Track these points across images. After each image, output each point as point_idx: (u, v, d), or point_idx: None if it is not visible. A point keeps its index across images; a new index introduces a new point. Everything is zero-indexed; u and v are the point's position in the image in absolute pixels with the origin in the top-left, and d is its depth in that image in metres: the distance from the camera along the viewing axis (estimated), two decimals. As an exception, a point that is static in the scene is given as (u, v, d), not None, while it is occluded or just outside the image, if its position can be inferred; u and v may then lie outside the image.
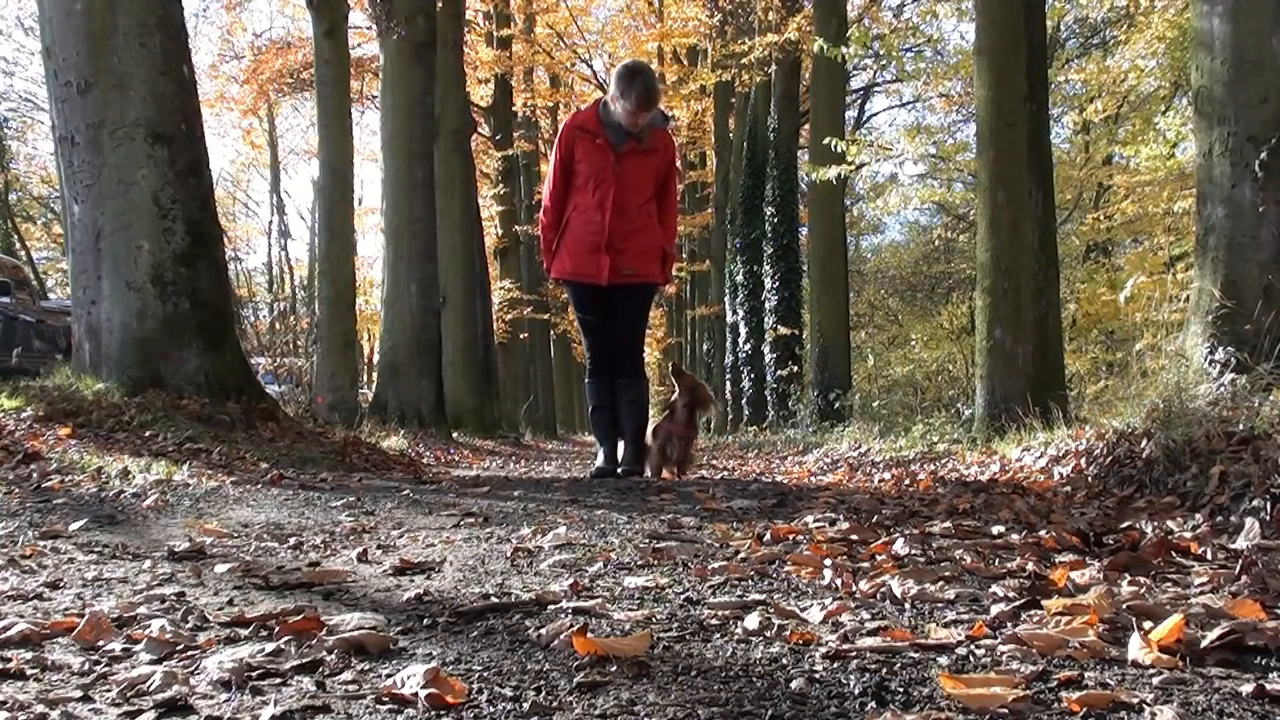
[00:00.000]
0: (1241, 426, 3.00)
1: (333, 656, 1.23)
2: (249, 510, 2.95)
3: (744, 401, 17.77)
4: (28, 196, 26.84)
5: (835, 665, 1.22)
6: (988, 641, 1.32)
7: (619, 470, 4.80)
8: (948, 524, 2.53)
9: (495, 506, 3.16)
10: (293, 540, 2.32)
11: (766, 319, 16.28)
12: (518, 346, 24.02)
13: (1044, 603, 1.51)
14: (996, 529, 2.48)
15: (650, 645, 1.29)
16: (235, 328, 6.00)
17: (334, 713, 1.03)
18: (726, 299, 19.34)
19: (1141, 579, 1.75)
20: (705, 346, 24.89)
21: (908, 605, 1.57)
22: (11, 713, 1.01)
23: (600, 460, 4.89)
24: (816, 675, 1.17)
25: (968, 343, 10.83)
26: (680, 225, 26.91)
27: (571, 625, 1.36)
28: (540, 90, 24.26)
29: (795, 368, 14.91)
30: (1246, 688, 1.10)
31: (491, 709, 1.04)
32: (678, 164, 4.84)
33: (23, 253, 24.11)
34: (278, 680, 1.14)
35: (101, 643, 1.29)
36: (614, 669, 1.18)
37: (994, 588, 1.67)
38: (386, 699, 1.07)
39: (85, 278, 5.11)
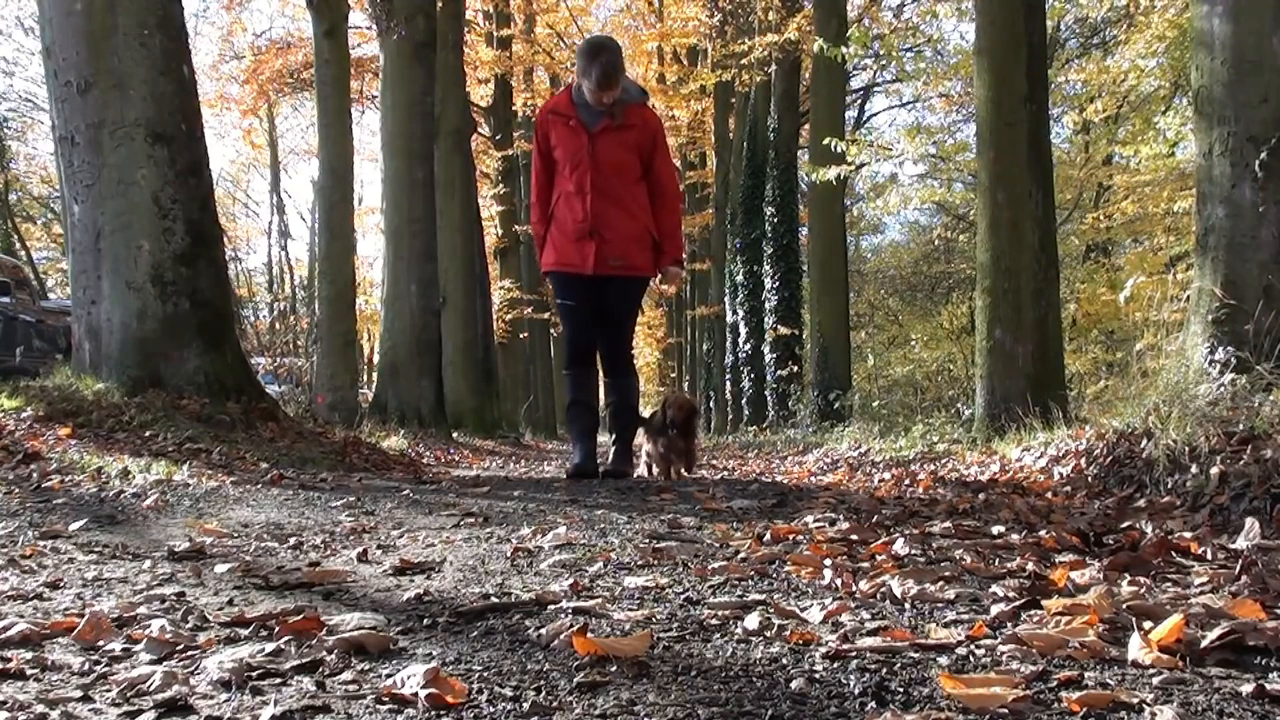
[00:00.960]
0: (1241, 426, 3.00)
1: (333, 656, 1.22)
2: (249, 510, 2.95)
3: (744, 401, 17.77)
4: (28, 196, 26.85)
5: (835, 665, 1.22)
6: (988, 641, 1.32)
7: (601, 471, 4.52)
8: (948, 524, 2.53)
9: (495, 506, 3.16)
10: (293, 540, 2.32)
11: (766, 319, 16.28)
12: (518, 346, 24.02)
13: (1044, 603, 1.51)
14: (996, 529, 2.48)
15: (650, 645, 1.28)
16: (235, 328, 6.00)
17: (334, 713, 1.03)
18: (726, 299, 19.35)
19: (1141, 579, 1.75)
20: (705, 346, 24.90)
21: (908, 605, 1.57)
22: (11, 713, 1.01)
23: (577, 458, 4.55)
24: (816, 675, 1.17)
25: (968, 343, 10.83)
26: (680, 225, 26.90)
27: (571, 625, 1.36)
28: (540, 90, 24.26)
29: (795, 368, 14.92)
30: (1246, 688, 1.10)
31: (491, 709, 1.04)
32: (666, 142, 4.62)
33: (23, 253, 24.11)
34: (278, 680, 1.14)
35: (101, 643, 1.29)
36: (614, 669, 1.18)
37: (994, 588, 1.67)
38: (386, 699, 1.07)
39: (85, 278, 5.11)
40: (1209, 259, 3.83)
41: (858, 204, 26.03)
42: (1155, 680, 1.15)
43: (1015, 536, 2.32)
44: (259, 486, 3.63)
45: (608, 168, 4.33)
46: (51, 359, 9.40)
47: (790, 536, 2.36)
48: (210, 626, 1.41)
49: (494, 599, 1.61)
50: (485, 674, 1.17)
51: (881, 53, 19.17)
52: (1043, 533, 2.35)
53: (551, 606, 1.55)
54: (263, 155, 32.16)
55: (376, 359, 11.88)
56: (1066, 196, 15.67)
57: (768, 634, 1.37)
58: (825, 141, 10.58)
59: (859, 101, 27.05)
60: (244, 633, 1.37)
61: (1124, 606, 1.47)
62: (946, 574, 1.79)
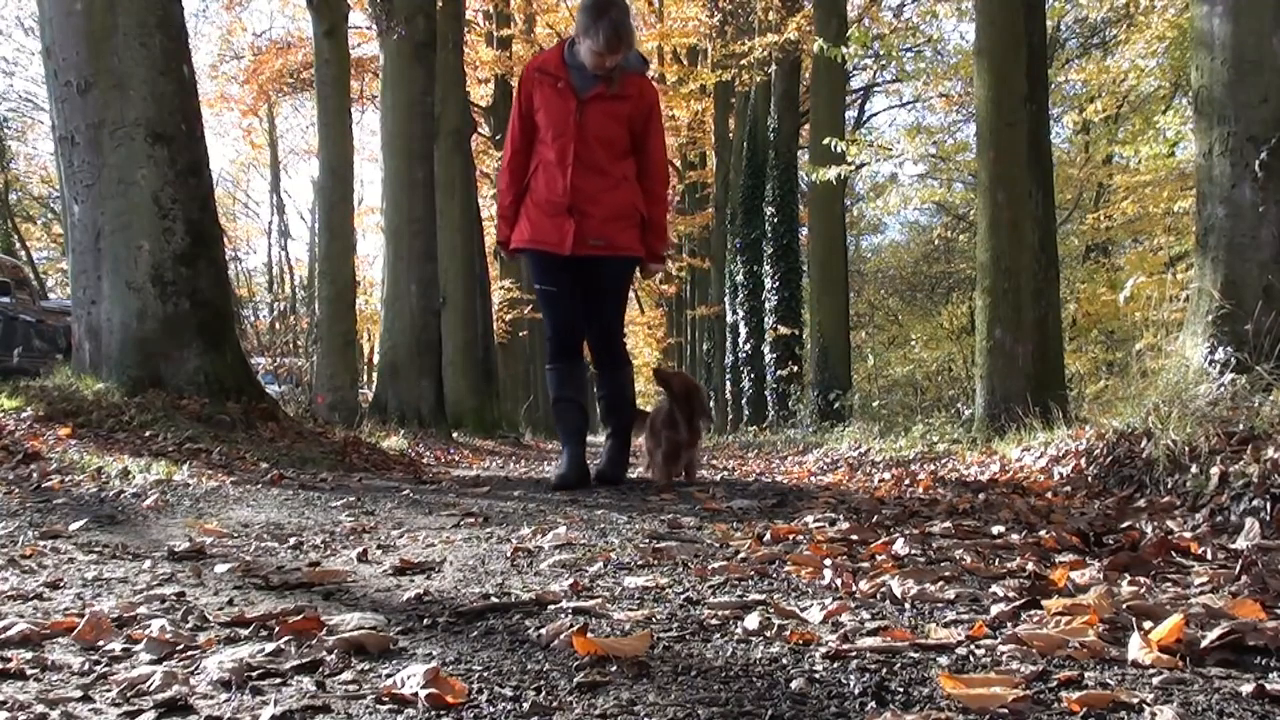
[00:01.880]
0: (1241, 426, 3.00)
1: (333, 656, 1.22)
2: (249, 510, 2.95)
3: (744, 401, 17.77)
4: (28, 196, 26.84)
5: (835, 665, 1.22)
6: (988, 641, 1.32)
7: (594, 478, 4.06)
8: (948, 524, 2.53)
9: (495, 506, 3.16)
10: (293, 540, 2.32)
11: (766, 319, 16.28)
12: (518, 346, 24.02)
13: (1044, 603, 1.51)
14: (996, 529, 2.48)
15: (650, 645, 1.28)
16: (235, 328, 6.00)
17: (334, 713, 1.03)
18: (726, 299, 19.35)
19: (1141, 579, 1.75)
20: (705, 346, 24.90)
21: (908, 605, 1.57)
22: (11, 713, 1.01)
23: (564, 466, 3.97)
24: (816, 675, 1.17)
25: (968, 343, 10.83)
26: (680, 225, 26.65)
27: (571, 625, 1.36)
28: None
29: (795, 368, 14.92)
30: (1246, 688, 1.10)
31: (491, 709, 1.04)
32: (662, 118, 4.15)
33: (23, 253, 24.11)
34: (278, 680, 1.14)
35: (101, 643, 1.29)
36: (614, 669, 1.18)
37: (994, 588, 1.67)
38: (386, 699, 1.07)
39: (85, 278, 5.11)
40: (1209, 259, 3.83)
41: (858, 204, 26.03)
42: (1155, 680, 1.15)
43: (1015, 536, 2.32)
44: (259, 486, 3.63)
45: (595, 140, 3.87)
46: (51, 359, 9.40)
47: (790, 536, 2.36)
48: (210, 626, 1.41)
49: (494, 599, 1.61)
50: (485, 674, 1.17)
51: (881, 53, 19.17)
52: (1043, 533, 2.35)
53: (551, 606, 1.55)
54: (263, 155, 32.17)
55: (376, 359, 11.88)
56: (1066, 196, 15.68)
57: (768, 634, 1.37)
58: (825, 141, 10.58)
59: (859, 101, 27.06)
60: (244, 633, 1.37)
61: (1124, 606, 1.47)
62: (946, 574, 1.79)
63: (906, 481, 4.56)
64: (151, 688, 1.09)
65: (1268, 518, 2.40)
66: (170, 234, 5.11)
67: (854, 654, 1.26)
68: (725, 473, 6.26)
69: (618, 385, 4.21)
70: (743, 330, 17.81)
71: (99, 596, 1.62)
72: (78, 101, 5.03)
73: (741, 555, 2.08)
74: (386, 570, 1.92)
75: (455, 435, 11.09)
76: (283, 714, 1.02)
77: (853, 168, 11.38)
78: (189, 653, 1.25)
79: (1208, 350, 3.64)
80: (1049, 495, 3.42)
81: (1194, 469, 2.96)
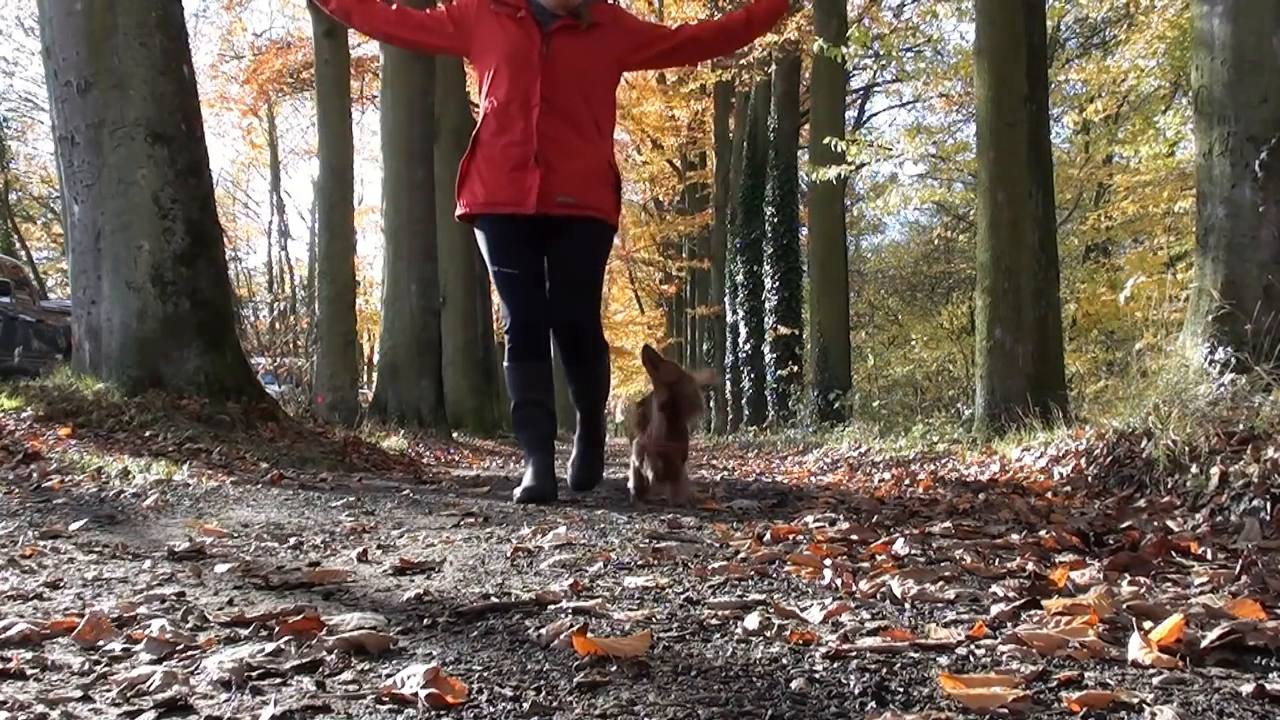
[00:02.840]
0: (1241, 426, 3.00)
1: (333, 656, 1.22)
2: (249, 510, 2.95)
3: (744, 401, 17.78)
4: (28, 196, 26.83)
5: (835, 665, 1.22)
6: (988, 641, 1.32)
7: (567, 486, 3.58)
8: (948, 524, 2.53)
9: (495, 506, 3.16)
10: (293, 540, 2.32)
11: (766, 319, 16.29)
12: (518, 346, 23.97)
13: (1044, 603, 1.51)
14: (996, 529, 2.48)
15: (650, 645, 1.28)
16: (235, 328, 6.00)
17: (334, 713, 1.03)
18: (726, 299, 19.36)
19: (1141, 579, 1.75)
20: (705, 346, 24.90)
21: (908, 605, 1.57)
22: (11, 713, 1.01)
23: (529, 478, 3.34)
24: (816, 675, 1.17)
25: (968, 343, 10.83)
26: (680, 225, 26.64)
27: (571, 625, 1.35)
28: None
29: (795, 368, 14.92)
30: (1246, 688, 1.10)
31: (491, 709, 1.04)
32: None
33: (23, 253, 24.09)
34: (278, 680, 1.14)
35: (101, 643, 1.29)
36: (614, 669, 1.18)
37: (994, 588, 1.67)
38: (386, 699, 1.07)
39: (85, 278, 5.12)
40: (1209, 259, 3.83)
41: (858, 204, 26.03)
42: (1155, 680, 1.15)
43: (1015, 536, 2.32)
44: (259, 486, 3.63)
45: (566, 77, 3.24)
46: (51, 359, 9.40)
47: (790, 536, 2.36)
48: (210, 626, 1.41)
49: (494, 599, 1.61)
50: (485, 674, 1.17)
51: (881, 53, 19.17)
52: (1043, 533, 2.35)
53: (551, 606, 1.55)
54: (263, 155, 32.15)
55: (376, 359, 11.88)
56: (1066, 196, 15.68)
57: (768, 634, 1.37)
58: (825, 141, 10.59)
59: (859, 101, 27.06)
60: (244, 633, 1.37)
61: (1124, 606, 1.47)
62: (946, 574, 1.79)
63: (906, 481, 4.56)
64: (151, 688, 1.09)
65: (1268, 518, 2.40)
66: (170, 234, 5.11)
67: (854, 654, 1.26)
68: (725, 473, 6.26)
69: (592, 381, 3.54)
70: (743, 330, 17.82)
71: (99, 596, 1.62)
72: (78, 101, 5.03)
73: (741, 555, 2.08)
74: (386, 570, 1.92)
75: (455, 435, 11.10)
76: (283, 714, 1.02)
77: (853, 168, 11.39)
78: (189, 653, 1.25)
79: (1208, 350, 3.64)
80: (1049, 495, 3.42)
81: (1194, 469, 2.96)
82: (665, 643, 1.32)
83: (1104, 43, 16.77)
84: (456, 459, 8.09)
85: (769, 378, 16.17)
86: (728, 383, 18.92)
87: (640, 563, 2.00)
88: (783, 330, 15.67)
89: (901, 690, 1.11)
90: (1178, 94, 13.73)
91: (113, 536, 2.31)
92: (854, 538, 2.30)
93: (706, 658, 1.25)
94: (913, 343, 16.23)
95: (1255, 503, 2.55)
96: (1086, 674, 1.17)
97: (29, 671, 1.16)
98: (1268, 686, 1.10)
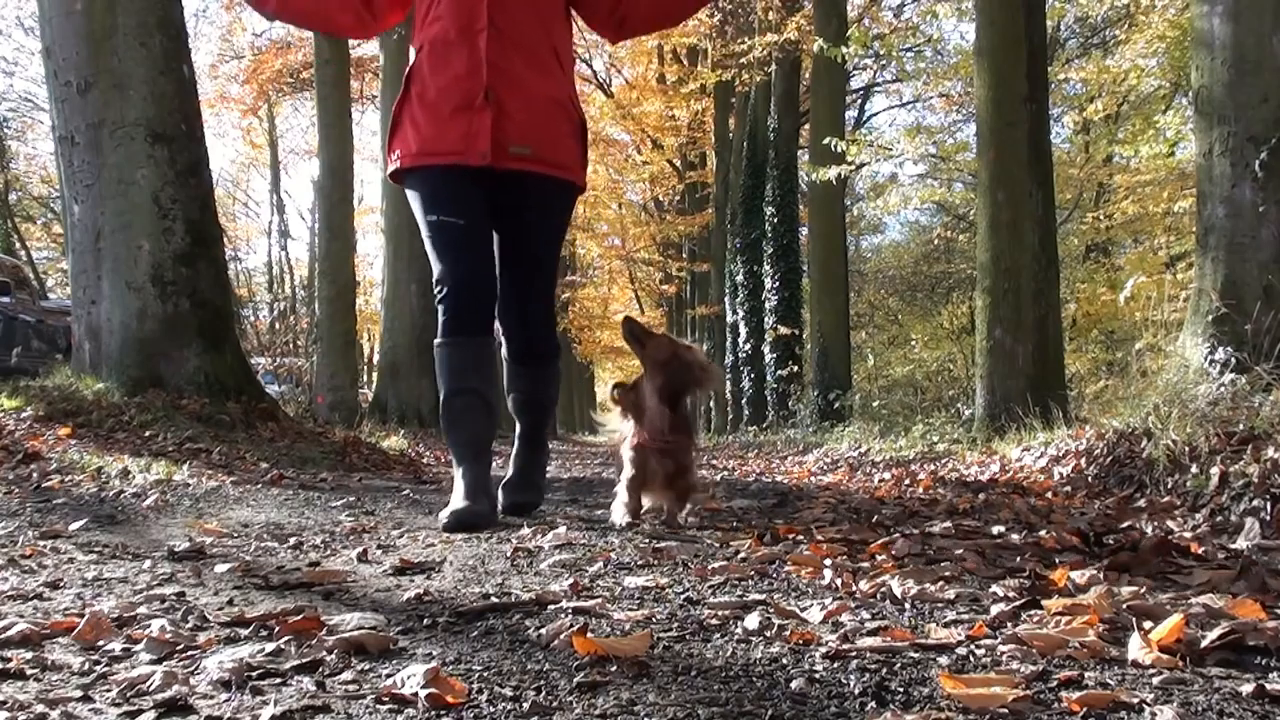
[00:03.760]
0: (1241, 426, 3.00)
1: (333, 656, 1.22)
2: (249, 510, 2.95)
3: (744, 401, 17.77)
4: (28, 196, 26.83)
5: (835, 665, 1.22)
6: (988, 641, 1.32)
7: (501, 510, 2.83)
8: (948, 524, 2.53)
9: (495, 506, 3.15)
10: (293, 540, 2.32)
11: (766, 319, 16.29)
12: (518, 346, 23.96)
13: (1044, 603, 1.51)
14: (996, 529, 2.48)
15: (650, 645, 1.28)
16: (235, 328, 6.00)
17: (334, 713, 1.03)
18: (726, 299, 19.36)
19: (1141, 579, 1.75)
20: (705, 346, 24.89)
21: (908, 605, 1.57)
22: (11, 713, 1.01)
23: (459, 496, 2.64)
24: (816, 675, 1.17)
25: (968, 343, 10.84)
26: (680, 225, 26.54)
27: (571, 625, 1.35)
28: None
29: (795, 368, 14.92)
30: (1246, 688, 1.10)
31: (491, 709, 1.04)
32: None
33: (23, 253, 24.10)
34: (278, 680, 1.14)
35: (101, 643, 1.29)
36: (614, 669, 1.18)
37: (994, 588, 1.67)
38: (386, 699, 1.07)
39: (85, 278, 5.12)
40: (1209, 259, 3.83)
41: (858, 204, 26.03)
42: (1155, 680, 1.15)
43: (1015, 536, 2.32)
44: (259, 486, 3.63)
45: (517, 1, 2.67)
46: (51, 359, 9.40)
47: (790, 536, 2.36)
48: (210, 626, 1.41)
49: (494, 599, 1.61)
50: (485, 674, 1.17)
51: (881, 53, 19.17)
52: (1043, 533, 2.35)
53: (551, 606, 1.55)
54: (263, 155, 32.14)
55: (376, 359, 11.89)
56: (1066, 196, 15.67)
57: (768, 634, 1.37)
58: (825, 141, 10.59)
59: (859, 101, 27.04)
60: (244, 633, 1.37)
61: (1124, 606, 1.47)
62: (946, 574, 1.79)
63: (906, 481, 4.56)
64: (151, 688, 1.09)
65: (1268, 518, 2.40)
66: (170, 234, 5.11)
67: (854, 654, 1.26)
68: (725, 473, 6.26)
69: (543, 378, 2.97)
70: (743, 330, 17.81)
71: (99, 596, 1.62)
72: (78, 101, 5.03)
73: (741, 555, 2.08)
74: (386, 570, 1.92)
75: (455, 435, 11.09)
76: (283, 714, 1.02)
77: (853, 168, 11.39)
78: (189, 653, 1.25)
79: (1208, 350, 3.64)
80: (1049, 495, 3.42)
81: (1194, 469, 2.96)
82: (665, 643, 1.32)
83: (1104, 43, 16.77)
84: (456, 459, 8.08)
85: (769, 378, 16.17)
86: (728, 383, 18.91)
87: (640, 563, 2.00)
88: (783, 330, 15.67)
89: (901, 690, 1.11)
90: (1178, 94, 13.73)
91: (113, 536, 2.31)
92: (854, 538, 2.30)
93: (706, 658, 1.25)
94: (913, 343, 16.24)
95: (1255, 503, 2.55)
96: (1086, 674, 1.17)
97: (29, 671, 1.16)
98: (1268, 686, 1.10)
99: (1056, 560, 1.97)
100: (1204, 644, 1.25)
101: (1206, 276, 3.82)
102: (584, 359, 35.66)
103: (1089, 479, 3.59)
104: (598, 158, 24.95)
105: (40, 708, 1.03)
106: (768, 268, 16.23)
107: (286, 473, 4.17)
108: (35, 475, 3.36)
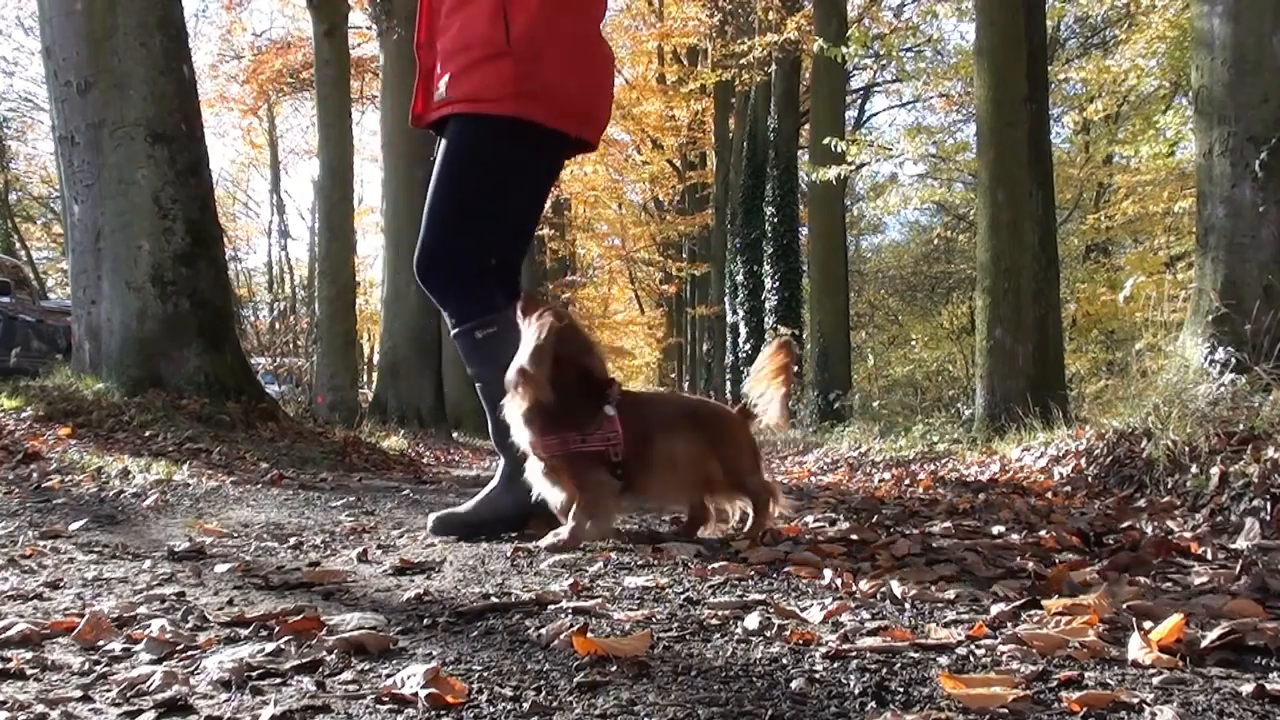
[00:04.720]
0: (1241, 426, 3.00)
1: (333, 656, 1.22)
2: (249, 510, 2.95)
3: (744, 401, 17.76)
4: (28, 196, 26.83)
5: (835, 665, 1.22)
6: (988, 641, 1.32)
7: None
8: (948, 524, 2.53)
9: (495, 506, 3.15)
10: (293, 540, 2.32)
11: (766, 319, 16.29)
12: (518, 346, 23.94)
13: (1044, 603, 1.51)
14: (996, 529, 2.48)
15: (650, 645, 1.28)
16: (235, 328, 6.00)
17: (334, 713, 1.03)
18: (726, 299, 19.37)
19: (1141, 579, 1.75)
20: (705, 346, 24.91)
21: (908, 605, 1.57)
22: (11, 713, 1.01)
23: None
24: (816, 675, 1.17)
25: (968, 343, 10.83)
26: (680, 225, 26.51)
27: (571, 625, 1.35)
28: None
29: (795, 368, 14.92)
30: (1246, 688, 1.10)
31: (491, 709, 1.04)
32: None
33: (23, 253, 24.10)
34: (278, 680, 1.14)
35: (101, 643, 1.29)
36: (614, 669, 1.18)
37: (994, 588, 1.67)
38: (386, 699, 1.07)
39: (85, 278, 5.12)
40: (1209, 259, 3.83)
41: (858, 204, 26.03)
42: (1155, 680, 1.15)
43: (1015, 536, 2.32)
44: (259, 486, 3.63)
45: None
46: (51, 359, 9.40)
47: (790, 536, 2.36)
48: (210, 626, 1.41)
49: (494, 599, 1.61)
50: (485, 674, 1.17)
51: (881, 53, 19.17)
52: (1043, 533, 2.35)
53: (551, 606, 1.55)
54: (263, 155, 32.13)
55: (376, 359, 11.89)
56: (1066, 196, 15.68)
57: (768, 634, 1.37)
58: (825, 141, 10.59)
59: (859, 101, 27.04)
60: (244, 633, 1.37)
61: (1124, 606, 1.47)
62: (946, 574, 1.79)
63: (906, 481, 4.56)
64: (151, 688, 1.09)
65: (1268, 518, 2.40)
66: (170, 234, 5.11)
67: (854, 654, 1.26)
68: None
69: (466, 357, 2.59)
70: (743, 330, 17.82)
71: (99, 596, 1.62)
72: (78, 101, 5.03)
73: (741, 555, 2.08)
74: (386, 570, 1.92)
75: (455, 435, 11.09)
76: (283, 714, 1.02)
77: (853, 168, 11.39)
78: (189, 653, 1.25)
79: (1208, 350, 3.64)
80: (1049, 495, 3.42)
81: (1194, 469, 2.96)
82: (665, 643, 1.32)
83: (1104, 43, 16.77)
84: (456, 459, 8.09)
85: (769, 378, 16.15)
86: (728, 383, 18.92)
87: (640, 563, 2.00)
88: (783, 330, 15.66)
89: (901, 690, 1.11)
90: (1178, 94, 13.73)
91: (113, 536, 2.31)
92: (854, 538, 2.30)
93: (706, 658, 1.25)
94: (913, 343, 16.24)
95: (1255, 503, 2.55)
96: (1086, 674, 1.17)
97: (29, 671, 1.16)
98: (1268, 686, 1.10)
99: (1056, 560, 1.97)
100: (1204, 644, 1.25)
101: (1206, 276, 3.81)
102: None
103: (1089, 479, 3.59)
104: (598, 158, 24.93)
105: (40, 708, 1.03)
106: (768, 268, 16.24)
107: (286, 473, 4.17)
108: (35, 475, 3.36)
